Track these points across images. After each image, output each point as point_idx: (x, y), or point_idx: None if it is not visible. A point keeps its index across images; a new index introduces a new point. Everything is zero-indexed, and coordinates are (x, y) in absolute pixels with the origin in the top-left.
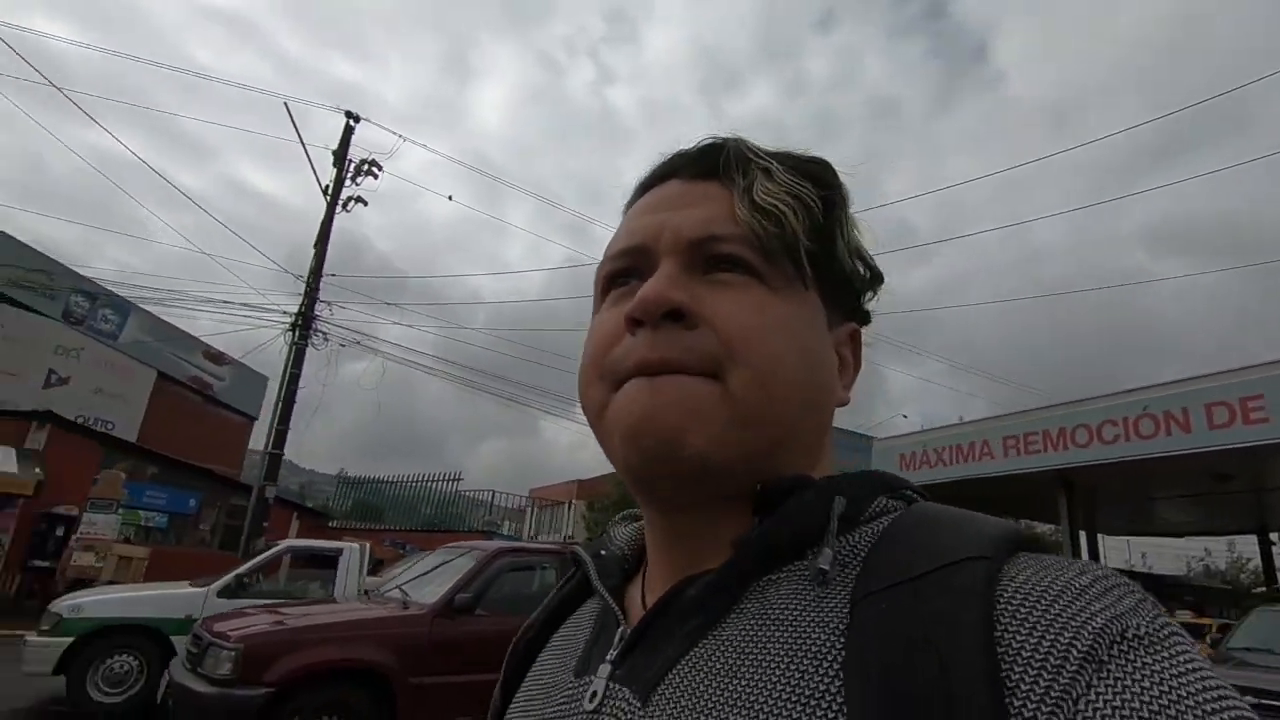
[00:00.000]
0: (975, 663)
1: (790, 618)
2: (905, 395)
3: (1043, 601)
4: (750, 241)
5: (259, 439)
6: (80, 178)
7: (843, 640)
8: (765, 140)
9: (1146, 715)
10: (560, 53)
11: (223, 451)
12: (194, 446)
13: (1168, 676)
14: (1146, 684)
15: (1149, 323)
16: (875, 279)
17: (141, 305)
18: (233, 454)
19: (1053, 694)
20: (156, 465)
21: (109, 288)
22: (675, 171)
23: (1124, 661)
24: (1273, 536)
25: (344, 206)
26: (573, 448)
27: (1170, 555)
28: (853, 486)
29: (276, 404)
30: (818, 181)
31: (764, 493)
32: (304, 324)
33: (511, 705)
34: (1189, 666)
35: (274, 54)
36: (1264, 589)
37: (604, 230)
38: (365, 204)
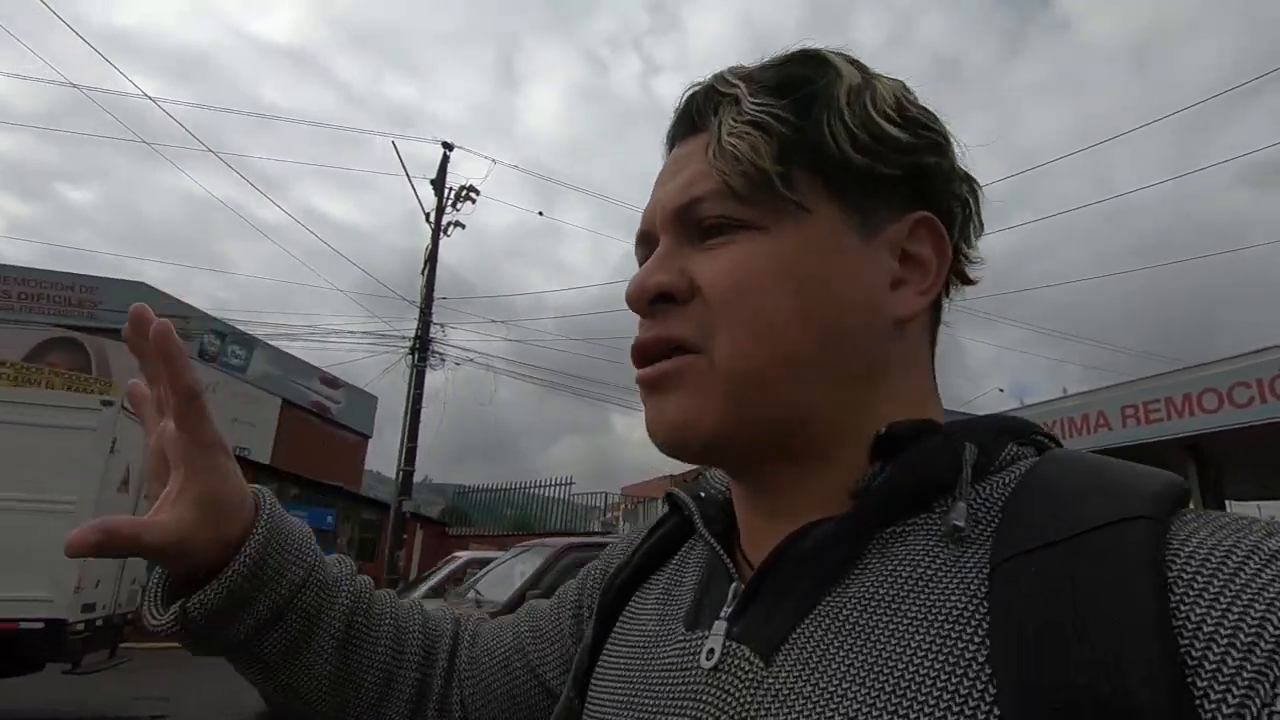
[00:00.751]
0: (1150, 638)
1: (923, 576)
2: (986, 367)
3: (1226, 568)
4: (723, 192)
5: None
6: (170, 221)
7: (986, 605)
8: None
9: None
10: (605, 49)
11: (343, 468)
12: (319, 465)
13: None
14: None
15: (1257, 272)
16: (924, 148)
17: (270, 342)
18: (352, 470)
19: (1245, 674)
20: (297, 487)
21: (240, 327)
22: (672, 139)
23: None
24: None
25: (445, 232)
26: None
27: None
28: (982, 432)
29: (404, 423)
30: (791, 85)
31: (886, 438)
32: (422, 347)
33: (608, 648)
34: None
35: (333, 82)
36: None
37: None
38: (464, 227)
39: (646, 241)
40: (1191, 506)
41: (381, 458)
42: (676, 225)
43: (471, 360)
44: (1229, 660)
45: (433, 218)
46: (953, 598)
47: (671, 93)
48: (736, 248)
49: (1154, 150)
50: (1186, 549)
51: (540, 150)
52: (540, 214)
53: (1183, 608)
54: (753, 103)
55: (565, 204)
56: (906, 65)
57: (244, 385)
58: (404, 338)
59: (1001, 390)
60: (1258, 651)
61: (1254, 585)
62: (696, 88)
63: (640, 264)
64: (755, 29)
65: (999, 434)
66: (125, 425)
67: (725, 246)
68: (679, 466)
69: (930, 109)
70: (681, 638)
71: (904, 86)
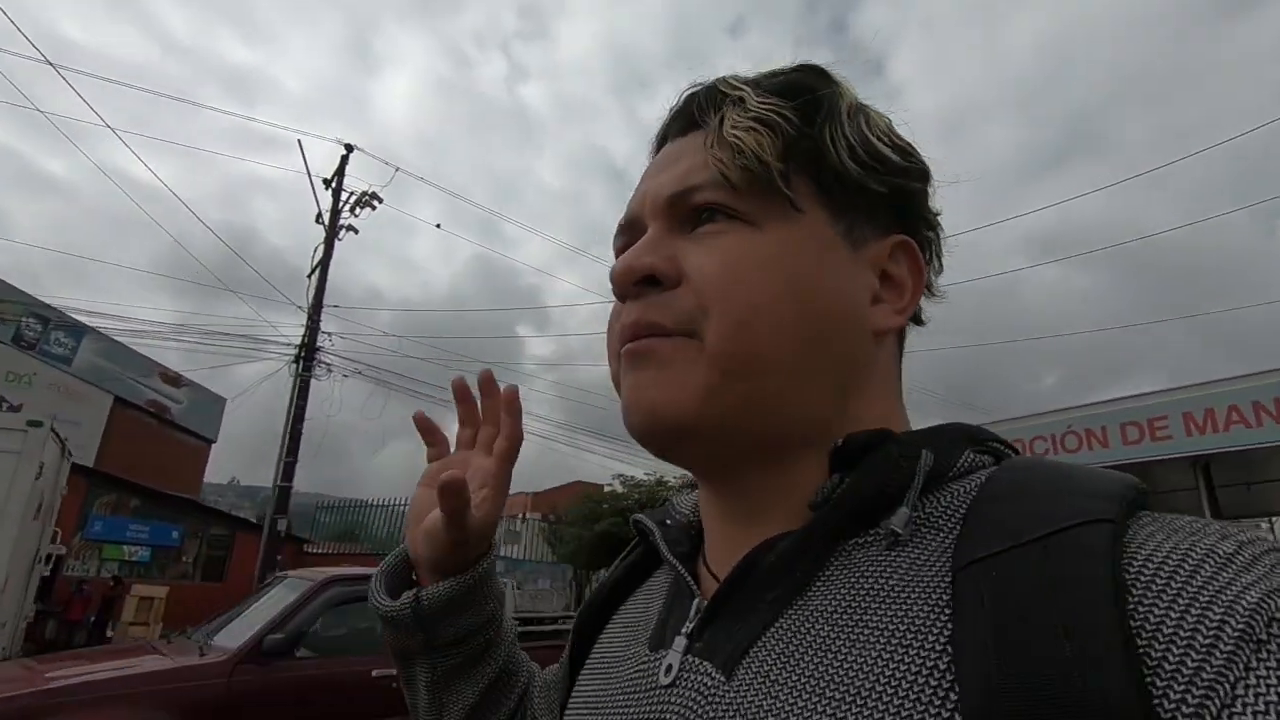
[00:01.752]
0: (1110, 639)
1: (885, 585)
2: None
3: (1183, 570)
4: (721, 183)
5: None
6: None
7: (948, 611)
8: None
9: None
10: (470, 46)
11: (182, 476)
12: (153, 472)
13: None
14: None
15: (1023, 327)
16: (912, 173)
17: (119, 339)
18: (192, 479)
19: (1204, 676)
20: (138, 497)
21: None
22: (666, 134)
23: None
24: None
25: (338, 235)
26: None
27: None
28: (938, 439)
29: (284, 437)
30: (796, 90)
31: (843, 448)
32: (308, 355)
33: (580, 677)
34: None
35: (158, 32)
36: None
37: (513, 227)
38: (356, 232)
39: (631, 229)
40: (1156, 513)
41: (213, 465)
42: (668, 212)
43: (360, 373)
44: (1188, 661)
45: (326, 219)
46: (915, 605)
47: (535, 98)
48: (728, 238)
49: (949, 222)
50: (1144, 552)
51: (390, 137)
52: (439, 226)
53: (1141, 609)
54: (759, 103)
55: (415, 193)
56: None
57: (68, 378)
58: (289, 344)
59: None
60: (1217, 653)
61: (1211, 588)
62: (698, 88)
63: (618, 254)
64: (619, 51)
65: (955, 442)
66: (51, 450)
67: (717, 236)
68: (539, 484)
69: (912, 144)
70: (645, 658)
71: (890, 120)
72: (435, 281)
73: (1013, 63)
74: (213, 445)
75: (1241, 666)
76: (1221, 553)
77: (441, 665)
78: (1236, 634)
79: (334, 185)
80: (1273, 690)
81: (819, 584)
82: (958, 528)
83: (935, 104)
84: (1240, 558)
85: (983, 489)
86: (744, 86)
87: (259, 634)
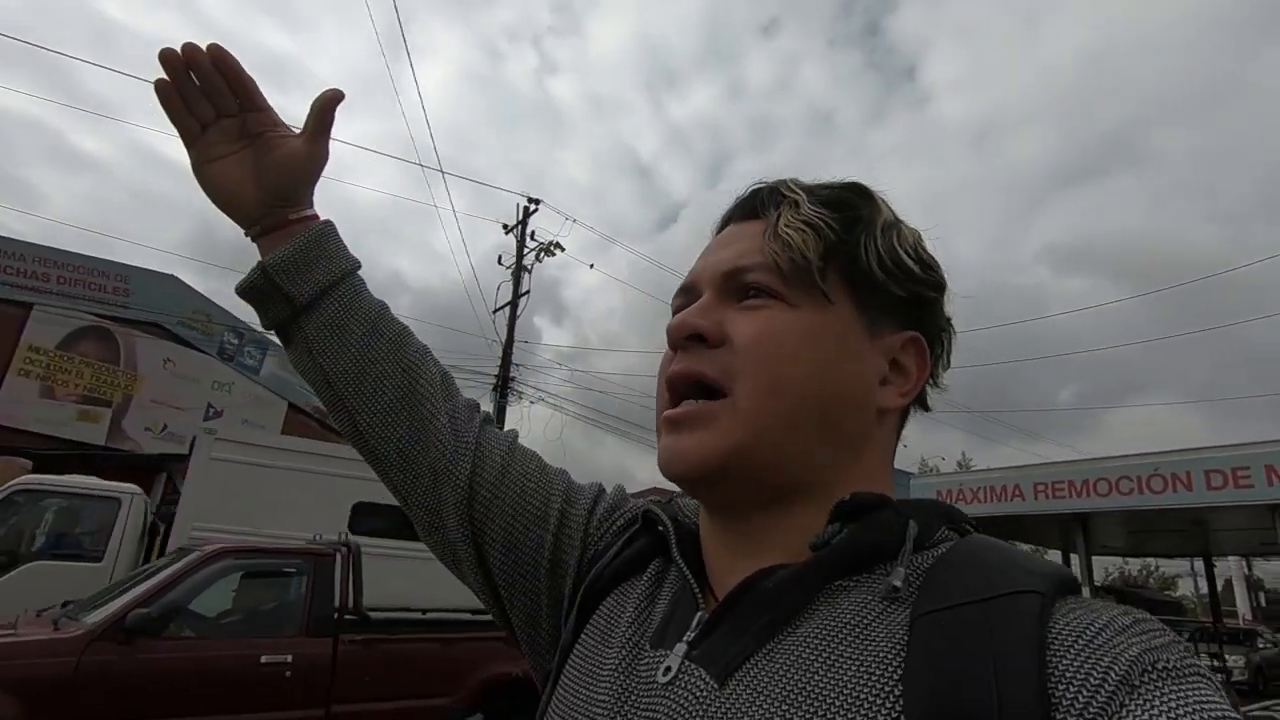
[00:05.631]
0: (1027, 679)
1: (860, 624)
2: None
3: (1088, 634)
4: (770, 268)
5: None
6: None
7: (904, 652)
8: (813, 176)
9: None
10: (503, 40)
11: None
12: None
13: (1190, 703)
14: (1171, 706)
15: (1045, 343)
16: (929, 284)
17: None
18: None
19: (1091, 710)
20: None
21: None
22: (730, 217)
23: (1154, 688)
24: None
25: (515, 274)
26: None
27: (1098, 565)
28: (923, 512)
29: None
30: (841, 205)
31: (848, 504)
32: (503, 386)
33: (578, 646)
34: (1208, 698)
35: (197, 19)
36: (1171, 592)
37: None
38: (529, 271)
39: (688, 293)
40: (1082, 595)
41: None
42: (722, 284)
43: (543, 400)
44: (1080, 698)
45: (513, 266)
46: (880, 643)
47: (565, 93)
48: (769, 313)
49: (977, 227)
50: (1064, 620)
51: (421, 129)
52: (592, 266)
53: (1054, 659)
54: (811, 209)
55: (443, 184)
56: (788, 111)
57: (257, 387)
58: (492, 376)
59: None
60: (1102, 693)
61: (1105, 645)
62: (762, 185)
63: (674, 312)
64: (652, 51)
65: (936, 517)
66: None
67: (760, 310)
68: None
69: (936, 259)
70: (646, 655)
71: (920, 235)
72: (455, 269)
73: (1050, 71)
74: None
75: (1118, 704)
76: (1120, 624)
77: (312, 325)
78: (1118, 679)
79: (518, 235)
80: None
81: (807, 614)
82: (920, 584)
83: (966, 110)
84: (1133, 628)
85: (944, 556)
86: (800, 192)
87: (122, 609)
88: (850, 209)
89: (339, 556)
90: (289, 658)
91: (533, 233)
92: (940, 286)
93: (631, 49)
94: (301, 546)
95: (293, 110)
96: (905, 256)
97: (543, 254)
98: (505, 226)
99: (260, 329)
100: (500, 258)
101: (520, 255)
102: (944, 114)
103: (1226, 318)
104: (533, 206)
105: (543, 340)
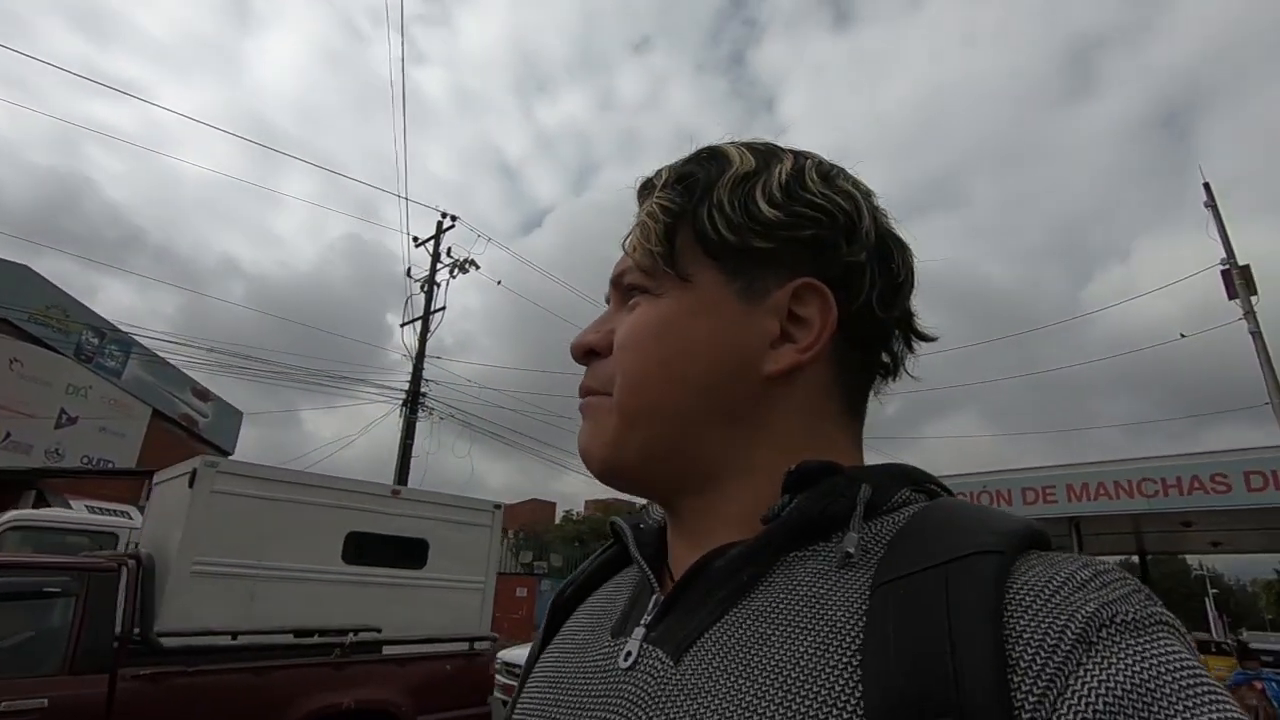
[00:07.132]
0: (984, 644)
1: (816, 595)
2: None
3: (1045, 592)
4: (634, 266)
5: None
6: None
7: (863, 621)
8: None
9: (1127, 690)
10: (365, 20)
11: None
12: None
13: (1149, 657)
14: (1129, 662)
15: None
16: (808, 222)
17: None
18: None
19: (1048, 671)
20: None
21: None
22: None
23: (1111, 643)
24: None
25: (422, 287)
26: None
27: None
28: (878, 476)
29: (397, 471)
30: (683, 177)
31: (795, 474)
32: (413, 400)
33: (543, 657)
34: (1170, 650)
35: None
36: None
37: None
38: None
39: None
40: (1043, 551)
41: None
42: (614, 293)
43: (453, 416)
44: (1036, 660)
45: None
46: (837, 612)
47: (431, 85)
48: (639, 310)
49: None
50: (1023, 579)
51: (263, 103)
52: (499, 283)
53: (1011, 621)
54: (659, 194)
55: (283, 166)
56: (656, 128)
57: (118, 391)
58: (399, 390)
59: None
60: (1058, 653)
61: (1062, 603)
62: (644, 178)
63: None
64: (523, 54)
65: (895, 479)
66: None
67: (634, 310)
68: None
69: (837, 185)
70: (607, 644)
71: (806, 171)
72: (293, 255)
73: (888, 115)
74: (229, 457)
75: (1074, 663)
76: (1079, 578)
77: None
78: (1074, 637)
79: (433, 250)
80: (1095, 679)
81: (762, 587)
82: (882, 551)
83: (816, 145)
84: (1093, 582)
85: (909, 522)
86: (660, 177)
87: None
88: (689, 178)
89: (124, 570)
90: (44, 702)
91: (421, 240)
92: (823, 221)
93: (503, 48)
94: (70, 560)
95: (108, 67)
96: (764, 205)
97: (457, 270)
98: (416, 239)
99: (124, 327)
100: (410, 270)
101: (434, 270)
102: (798, 146)
103: (1028, 349)
104: (449, 222)
105: (402, 341)
